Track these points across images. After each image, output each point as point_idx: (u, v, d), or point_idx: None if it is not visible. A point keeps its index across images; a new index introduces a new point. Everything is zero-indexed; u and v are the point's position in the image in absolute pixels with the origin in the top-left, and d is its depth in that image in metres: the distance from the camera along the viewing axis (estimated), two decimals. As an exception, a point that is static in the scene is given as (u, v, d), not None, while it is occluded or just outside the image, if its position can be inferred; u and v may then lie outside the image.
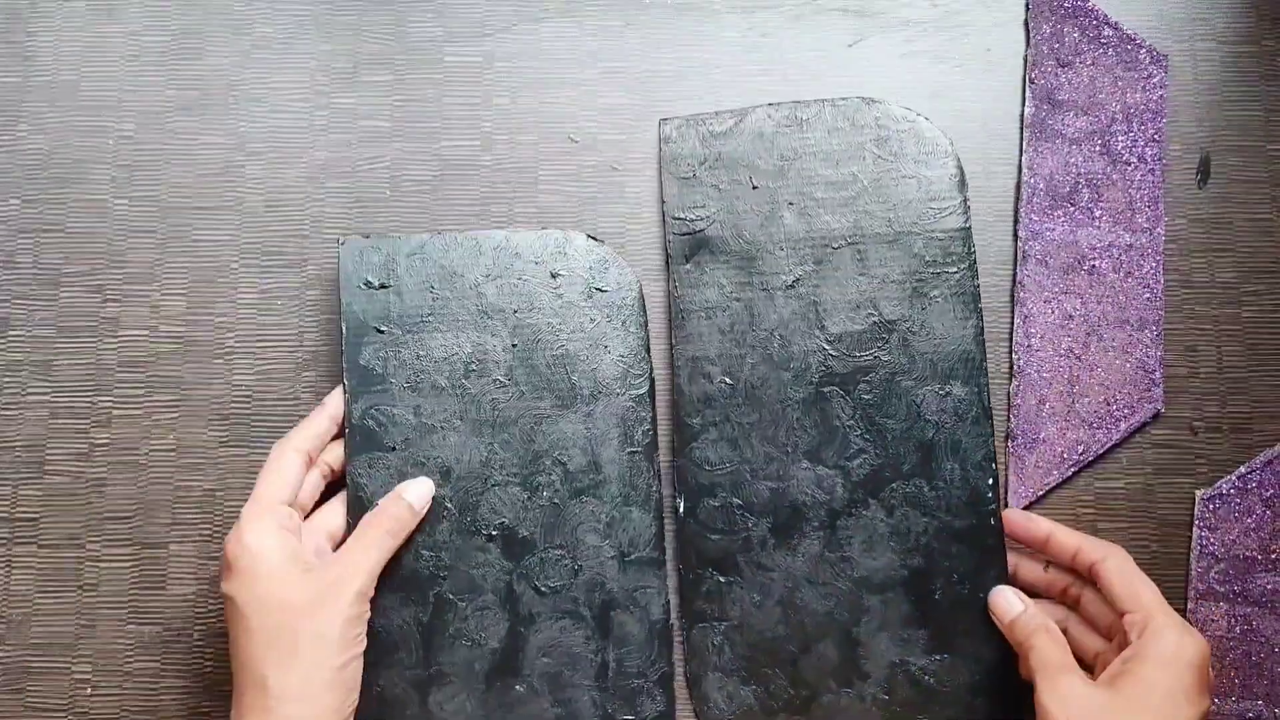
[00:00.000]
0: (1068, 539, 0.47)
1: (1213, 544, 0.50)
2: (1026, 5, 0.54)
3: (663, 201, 0.53)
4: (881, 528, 0.49)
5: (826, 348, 0.50)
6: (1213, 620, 0.49)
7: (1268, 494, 0.50)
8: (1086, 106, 0.53)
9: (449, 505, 0.48)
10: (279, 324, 0.52)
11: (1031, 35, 0.54)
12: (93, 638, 0.50)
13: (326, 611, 0.42)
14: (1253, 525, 0.50)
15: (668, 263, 0.52)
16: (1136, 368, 0.51)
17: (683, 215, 0.52)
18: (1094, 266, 0.52)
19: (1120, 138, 0.53)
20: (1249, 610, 0.49)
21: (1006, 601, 0.47)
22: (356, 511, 0.47)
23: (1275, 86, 0.55)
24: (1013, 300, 0.52)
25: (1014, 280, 0.52)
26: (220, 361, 0.52)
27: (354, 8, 0.55)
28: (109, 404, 0.51)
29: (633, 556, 0.49)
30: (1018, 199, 0.53)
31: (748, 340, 0.51)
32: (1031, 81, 0.53)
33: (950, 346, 0.50)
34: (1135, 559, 0.50)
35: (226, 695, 0.49)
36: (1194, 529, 0.50)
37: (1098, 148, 0.53)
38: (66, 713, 0.49)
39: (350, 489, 0.48)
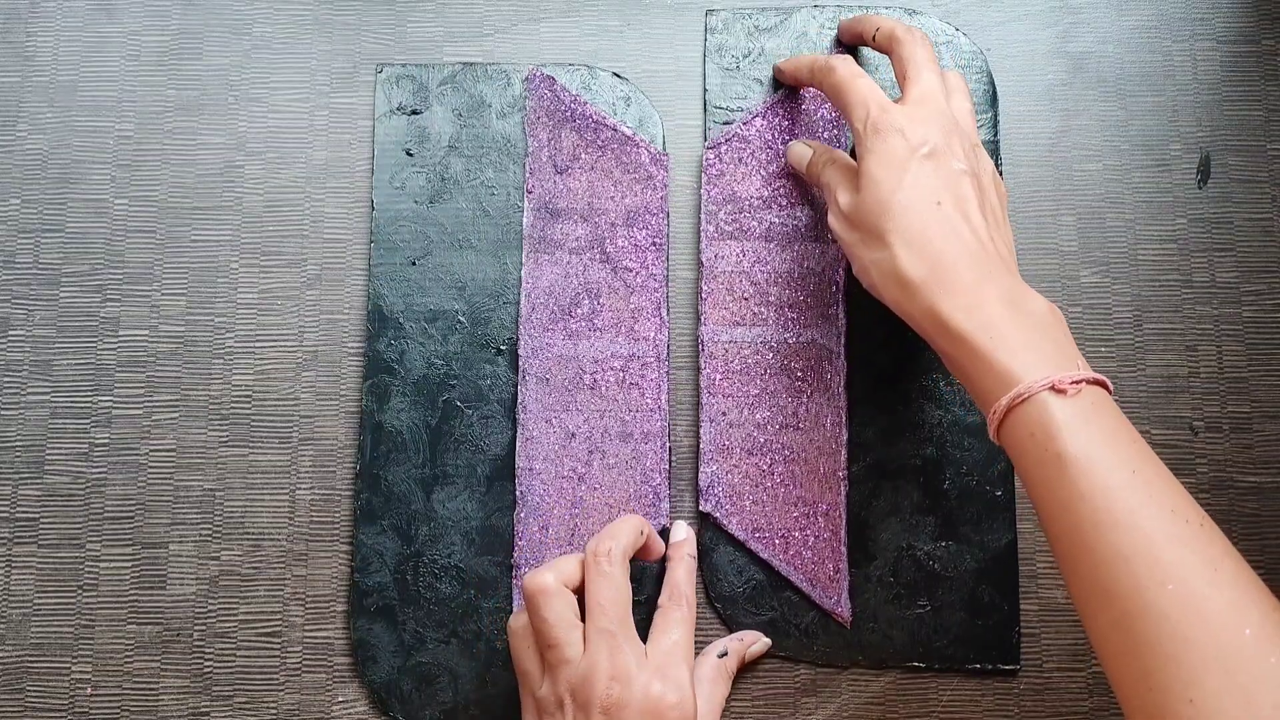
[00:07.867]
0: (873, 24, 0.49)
1: (718, 191, 0.52)
2: (523, 108, 0.53)
3: (705, 90, 0.54)
4: (898, 417, 0.51)
5: None
6: (723, 257, 0.52)
7: (767, 137, 0.52)
8: (585, 213, 0.52)
9: (462, 319, 0.51)
10: (279, 324, 0.52)
11: (528, 144, 0.52)
12: (92, 638, 0.50)
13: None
14: (756, 169, 0.52)
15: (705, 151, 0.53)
16: (641, 484, 0.50)
17: (724, 105, 0.54)
18: (595, 380, 0.51)
19: (620, 242, 0.52)
20: (756, 245, 0.52)
21: (799, 151, 0.50)
22: (376, 319, 0.51)
23: (1275, 86, 0.55)
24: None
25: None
26: (220, 361, 0.52)
27: (354, 8, 0.55)
28: (109, 404, 0.51)
29: None
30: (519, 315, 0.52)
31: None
32: (529, 191, 0.52)
33: None
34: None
35: (226, 695, 0.49)
36: (701, 179, 0.53)
37: (597, 255, 0.51)
38: (66, 713, 0.49)
39: (371, 299, 0.51)
